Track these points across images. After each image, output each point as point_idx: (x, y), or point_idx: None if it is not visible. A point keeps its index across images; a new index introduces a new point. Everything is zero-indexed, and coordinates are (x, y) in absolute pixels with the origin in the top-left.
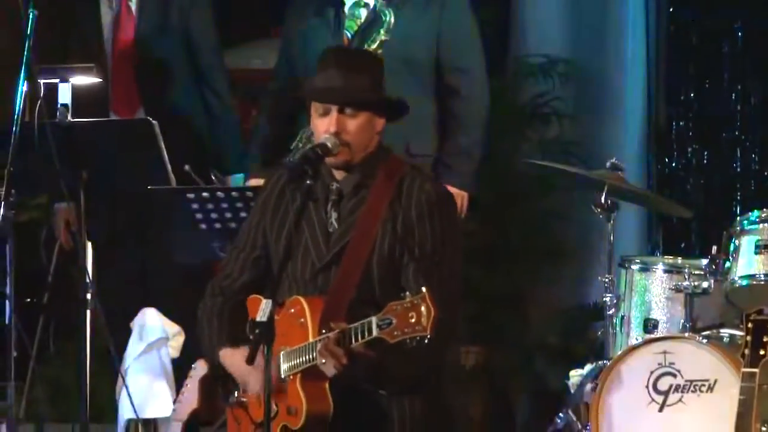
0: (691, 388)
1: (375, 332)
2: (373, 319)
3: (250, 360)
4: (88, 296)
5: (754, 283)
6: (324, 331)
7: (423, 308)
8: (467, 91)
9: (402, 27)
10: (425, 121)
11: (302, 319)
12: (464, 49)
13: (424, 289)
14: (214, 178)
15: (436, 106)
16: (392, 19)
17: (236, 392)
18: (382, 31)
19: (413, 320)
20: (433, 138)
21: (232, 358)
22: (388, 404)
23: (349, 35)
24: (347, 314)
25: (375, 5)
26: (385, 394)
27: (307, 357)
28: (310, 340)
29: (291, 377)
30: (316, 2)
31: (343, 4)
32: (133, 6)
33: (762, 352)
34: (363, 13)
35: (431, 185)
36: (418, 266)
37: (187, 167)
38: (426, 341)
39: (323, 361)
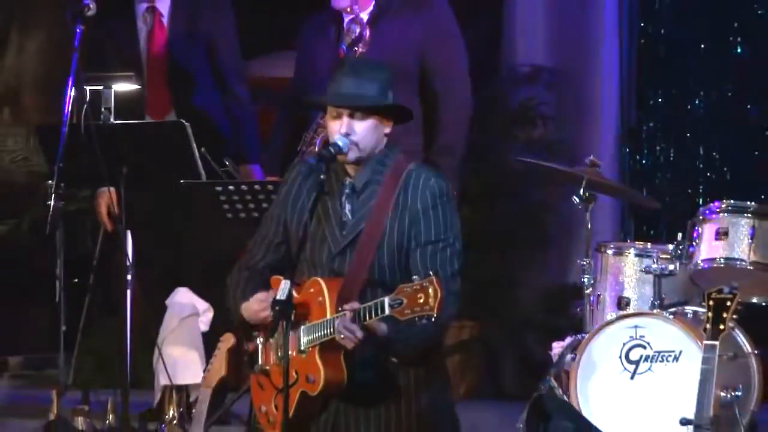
0: (659, 358)
1: (387, 311)
2: (386, 299)
3: (272, 333)
4: (129, 277)
5: (715, 265)
6: (340, 308)
7: (431, 290)
8: (449, 95)
9: (390, 38)
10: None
11: (320, 298)
12: (448, 58)
13: (431, 273)
14: (228, 164)
15: (422, 107)
16: (367, 34)
17: (261, 360)
18: (360, 45)
19: (422, 300)
20: (418, 134)
21: (248, 307)
22: (394, 372)
23: (344, 49)
24: (360, 294)
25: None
26: (396, 362)
27: (325, 331)
28: (328, 316)
29: (310, 349)
30: (321, 21)
31: (343, 20)
32: (165, 20)
33: (722, 327)
34: (357, 29)
35: (435, 180)
36: (424, 250)
37: (203, 149)
38: (433, 320)
39: (342, 336)
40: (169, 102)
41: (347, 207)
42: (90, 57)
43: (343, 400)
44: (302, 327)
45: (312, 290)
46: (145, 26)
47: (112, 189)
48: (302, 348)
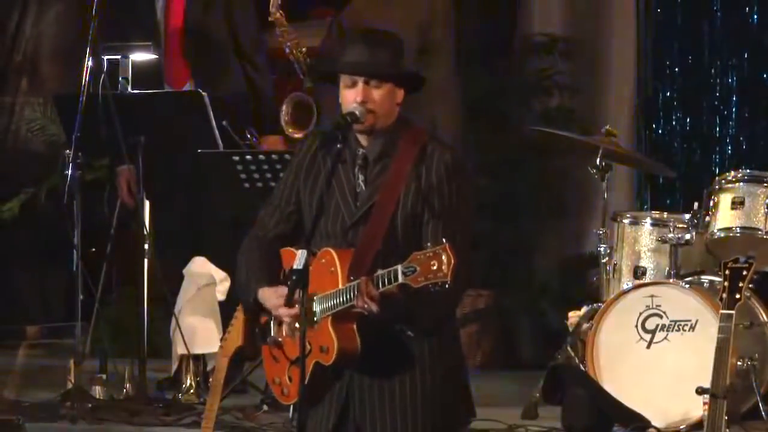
0: (675, 328)
1: (400, 278)
2: (399, 267)
3: (288, 302)
4: (146, 246)
5: (731, 235)
6: (352, 278)
7: (444, 257)
8: None
9: None
10: None
11: (333, 269)
12: None
13: (444, 240)
14: (248, 135)
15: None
16: None
17: (273, 332)
18: None
19: (435, 268)
20: None
21: (269, 295)
22: (408, 341)
23: None
24: (373, 265)
25: None
26: (411, 335)
27: (338, 301)
28: (340, 286)
29: (322, 319)
30: None
31: None
32: None
33: (738, 296)
34: None
35: (449, 153)
36: (436, 222)
37: (224, 122)
38: (446, 287)
39: (366, 306)
40: (188, 72)
41: (361, 178)
42: (108, 27)
43: (357, 369)
44: (315, 297)
45: (324, 261)
46: None
47: (132, 166)
48: (315, 318)
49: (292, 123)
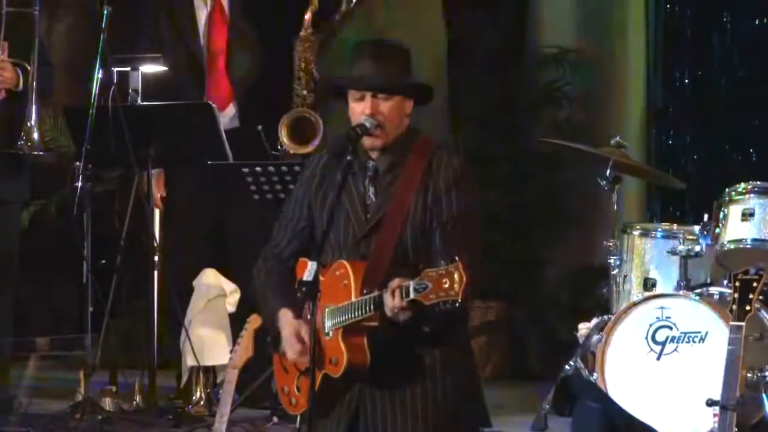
0: (686, 339)
1: (412, 294)
2: (411, 283)
3: (298, 313)
4: (156, 258)
5: (741, 246)
6: (366, 291)
7: (456, 275)
8: None
9: None
10: None
11: (346, 281)
12: None
13: (456, 258)
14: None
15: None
16: None
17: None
18: None
19: (446, 285)
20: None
21: (287, 320)
22: (419, 353)
23: None
24: (385, 276)
25: None
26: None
27: (350, 314)
28: (353, 299)
29: (333, 331)
30: None
31: None
32: (226, 6)
33: (748, 308)
34: None
35: (456, 161)
36: (444, 231)
37: (259, 127)
38: (456, 305)
39: (398, 318)
40: (230, 93)
41: (371, 190)
42: (143, 40)
43: (367, 381)
44: (326, 310)
45: (337, 273)
46: (205, 8)
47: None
48: (326, 330)
49: (291, 140)
